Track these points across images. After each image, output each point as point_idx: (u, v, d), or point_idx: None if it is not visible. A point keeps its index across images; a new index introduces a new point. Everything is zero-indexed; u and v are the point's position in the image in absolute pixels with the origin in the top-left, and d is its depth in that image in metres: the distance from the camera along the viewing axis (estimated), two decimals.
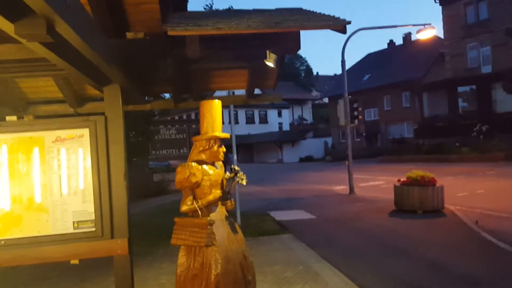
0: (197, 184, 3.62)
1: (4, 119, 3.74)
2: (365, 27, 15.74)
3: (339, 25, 3.36)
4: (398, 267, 6.11)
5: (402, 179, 10.49)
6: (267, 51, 3.97)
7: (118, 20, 3.74)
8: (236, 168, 4.03)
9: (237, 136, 11.74)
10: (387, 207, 10.86)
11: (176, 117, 32.29)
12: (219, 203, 3.81)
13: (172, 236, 3.63)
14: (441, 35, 33.58)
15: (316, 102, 67.69)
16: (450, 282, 5.44)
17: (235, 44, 3.99)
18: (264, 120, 58.40)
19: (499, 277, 5.57)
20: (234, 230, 3.84)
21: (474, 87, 28.92)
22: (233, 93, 9.84)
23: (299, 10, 3.98)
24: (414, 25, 16.58)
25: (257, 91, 6.34)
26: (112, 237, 3.67)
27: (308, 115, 66.21)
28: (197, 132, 3.92)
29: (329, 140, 47.33)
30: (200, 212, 3.56)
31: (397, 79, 38.21)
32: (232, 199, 4.00)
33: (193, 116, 36.08)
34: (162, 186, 18.06)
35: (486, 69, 29.42)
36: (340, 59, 15.72)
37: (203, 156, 3.78)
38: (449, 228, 8.50)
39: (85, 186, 3.75)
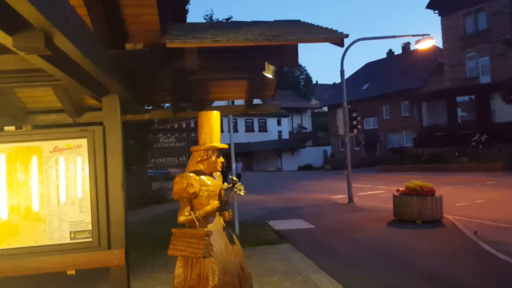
0: (195, 195, 3.61)
1: (3, 129, 3.75)
2: (364, 38, 15.79)
3: (337, 39, 3.39)
4: (397, 279, 6.08)
5: (401, 189, 10.48)
6: (266, 63, 3.99)
7: (117, 31, 3.77)
8: (234, 178, 4.03)
9: (237, 145, 11.75)
10: (386, 217, 10.83)
11: (176, 126, 32.34)
12: (217, 213, 3.80)
13: (169, 247, 3.62)
14: (440, 45, 33.77)
15: (316, 110, 67.82)
16: None
17: (234, 55, 4.01)
18: (263, 128, 58.44)
19: None
20: (231, 241, 3.83)
21: (473, 97, 29.00)
22: (233, 102, 9.85)
23: (298, 23, 4.01)
24: (413, 35, 16.68)
25: (256, 100, 6.36)
26: (109, 248, 3.66)
27: (307, 124, 66.28)
28: (197, 141, 3.93)
29: (329, 148, 47.34)
30: (197, 223, 3.55)
31: (396, 89, 38.37)
32: (230, 210, 3.99)
33: (192, 125, 36.08)
34: (160, 194, 18.04)
35: (485, 79, 29.54)
36: (340, 68, 15.77)
37: (201, 167, 3.79)
38: (448, 238, 8.47)
39: (83, 196, 3.76)
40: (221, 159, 3.89)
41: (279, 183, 26.92)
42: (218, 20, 18.84)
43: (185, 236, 3.55)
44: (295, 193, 19.80)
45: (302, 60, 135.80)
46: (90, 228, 3.71)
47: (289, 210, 13.72)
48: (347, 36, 3.36)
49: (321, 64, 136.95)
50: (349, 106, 15.49)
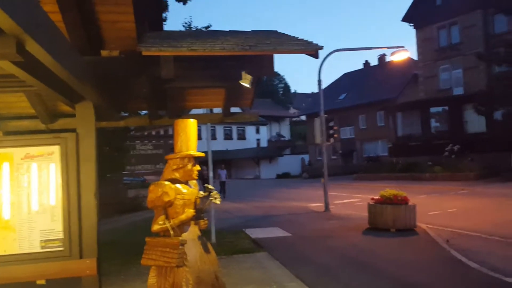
0: (170, 203, 3.59)
1: None
2: (341, 49, 16.07)
3: (312, 50, 3.45)
4: (371, 287, 6.15)
5: (376, 197, 10.63)
6: (243, 72, 4.01)
7: (93, 38, 3.73)
8: (210, 187, 4.02)
9: (215, 152, 11.71)
10: (361, 225, 10.96)
11: (153, 132, 32.02)
12: (192, 222, 3.78)
13: (143, 256, 3.57)
14: (415, 57, 34.59)
15: (294, 119, 68.34)
16: None
17: (211, 64, 4.02)
18: (242, 136, 58.48)
19: None
20: (206, 250, 3.81)
21: (446, 108, 29.78)
22: (211, 110, 9.84)
23: (274, 33, 4.06)
24: (388, 47, 17.03)
25: (235, 109, 6.38)
26: (80, 257, 3.60)
27: (285, 132, 66.68)
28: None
29: (306, 157, 47.67)
30: (172, 232, 3.52)
31: (372, 99, 39.04)
32: (206, 218, 3.97)
33: (170, 132, 35.68)
34: (136, 202, 17.80)
35: (458, 91, 30.38)
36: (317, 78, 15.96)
37: (177, 175, 3.77)
38: (421, 247, 8.63)
39: (54, 204, 3.69)
40: (197, 167, 3.87)
41: (257, 191, 26.92)
42: (197, 28, 18.85)
43: (159, 245, 3.52)
44: (273, 201, 19.83)
45: (281, 69, 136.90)
46: (62, 237, 3.64)
47: (266, 218, 13.74)
48: (321, 48, 3.42)
49: (299, 73, 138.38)
50: (326, 115, 15.67)
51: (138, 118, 6.70)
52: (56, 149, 3.63)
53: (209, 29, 17.75)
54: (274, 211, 15.53)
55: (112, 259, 7.34)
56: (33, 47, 2.17)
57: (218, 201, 3.96)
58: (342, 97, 44.37)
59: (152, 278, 3.54)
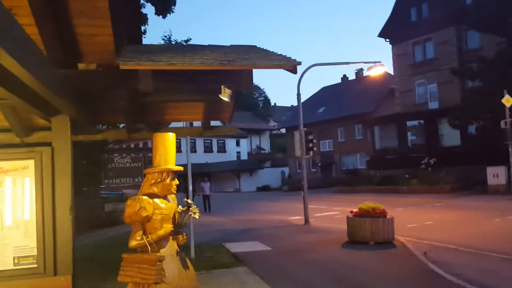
0: (148, 219, 3.54)
1: None
2: (319, 63, 16.29)
3: (291, 65, 3.48)
4: None
5: (354, 210, 10.70)
6: (222, 86, 4.02)
7: (70, 51, 3.69)
8: (189, 201, 3.99)
9: (195, 165, 11.64)
10: (341, 238, 11.00)
11: (132, 145, 31.68)
12: (171, 237, 3.74)
13: (119, 273, 3.51)
14: (392, 72, 35.34)
15: (274, 132, 68.62)
16: None
17: (190, 78, 4.02)
18: (222, 149, 58.33)
19: None
20: (185, 266, 3.76)
21: (422, 121, 30.43)
22: (191, 124, 9.76)
23: (253, 48, 4.09)
24: (365, 62, 17.37)
25: (215, 122, 6.36)
26: (55, 274, 3.50)
27: (266, 145, 66.86)
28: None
29: (286, 169, 47.84)
30: (149, 248, 3.47)
31: (350, 112, 39.63)
32: (184, 234, 3.93)
33: (149, 144, 35.33)
34: (113, 216, 17.43)
35: (433, 105, 31.13)
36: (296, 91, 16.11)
37: (155, 189, 3.73)
38: (399, 259, 8.70)
39: (28, 219, 3.59)
40: (176, 181, 3.84)
41: (237, 204, 26.80)
42: (176, 42, 18.85)
43: (136, 262, 3.46)
44: (253, 214, 19.76)
45: (261, 82, 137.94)
46: (35, 253, 3.55)
47: (246, 232, 13.66)
48: (300, 63, 3.46)
49: (279, 86, 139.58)
50: (305, 128, 15.79)
51: (116, 131, 6.61)
52: (30, 163, 3.55)
53: (189, 42, 17.78)
54: (254, 225, 15.47)
55: (88, 275, 7.15)
56: (6, 60, 2.13)
57: (197, 216, 3.92)
58: (321, 110, 44.89)
59: None
